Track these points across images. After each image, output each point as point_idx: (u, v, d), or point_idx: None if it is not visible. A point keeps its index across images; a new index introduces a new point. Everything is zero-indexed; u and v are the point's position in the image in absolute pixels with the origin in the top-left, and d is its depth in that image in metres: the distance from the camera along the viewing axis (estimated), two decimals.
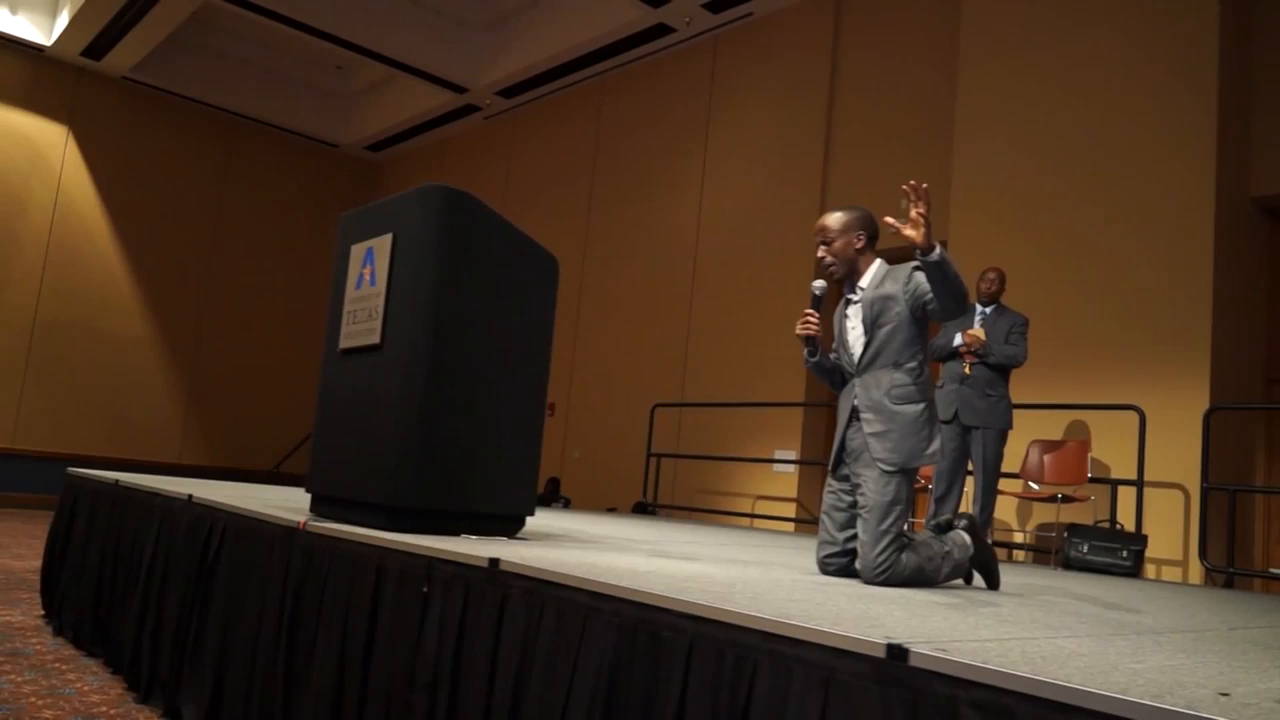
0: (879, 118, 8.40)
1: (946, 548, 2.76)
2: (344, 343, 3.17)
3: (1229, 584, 5.29)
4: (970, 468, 5.27)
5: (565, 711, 1.91)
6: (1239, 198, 6.19)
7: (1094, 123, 6.47)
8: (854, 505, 2.78)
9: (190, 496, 3.65)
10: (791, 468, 8.45)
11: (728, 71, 9.89)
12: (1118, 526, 5.45)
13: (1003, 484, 5.41)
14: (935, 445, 2.69)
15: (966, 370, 5.18)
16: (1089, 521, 5.52)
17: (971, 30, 7.32)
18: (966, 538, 2.82)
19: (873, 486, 2.66)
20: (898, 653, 1.44)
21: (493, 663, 2.13)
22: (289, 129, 13.71)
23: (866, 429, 2.72)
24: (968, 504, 5.33)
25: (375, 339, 3.00)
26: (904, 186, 2.57)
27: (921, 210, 2.51)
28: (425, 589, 2.38)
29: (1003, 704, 1.31)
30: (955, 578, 2.81)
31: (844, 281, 2.90)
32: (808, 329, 2.87)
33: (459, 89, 11.91)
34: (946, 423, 5.25)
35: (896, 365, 2.73)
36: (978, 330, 5.22)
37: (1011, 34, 7.04)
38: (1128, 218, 6.20)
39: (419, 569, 2.41)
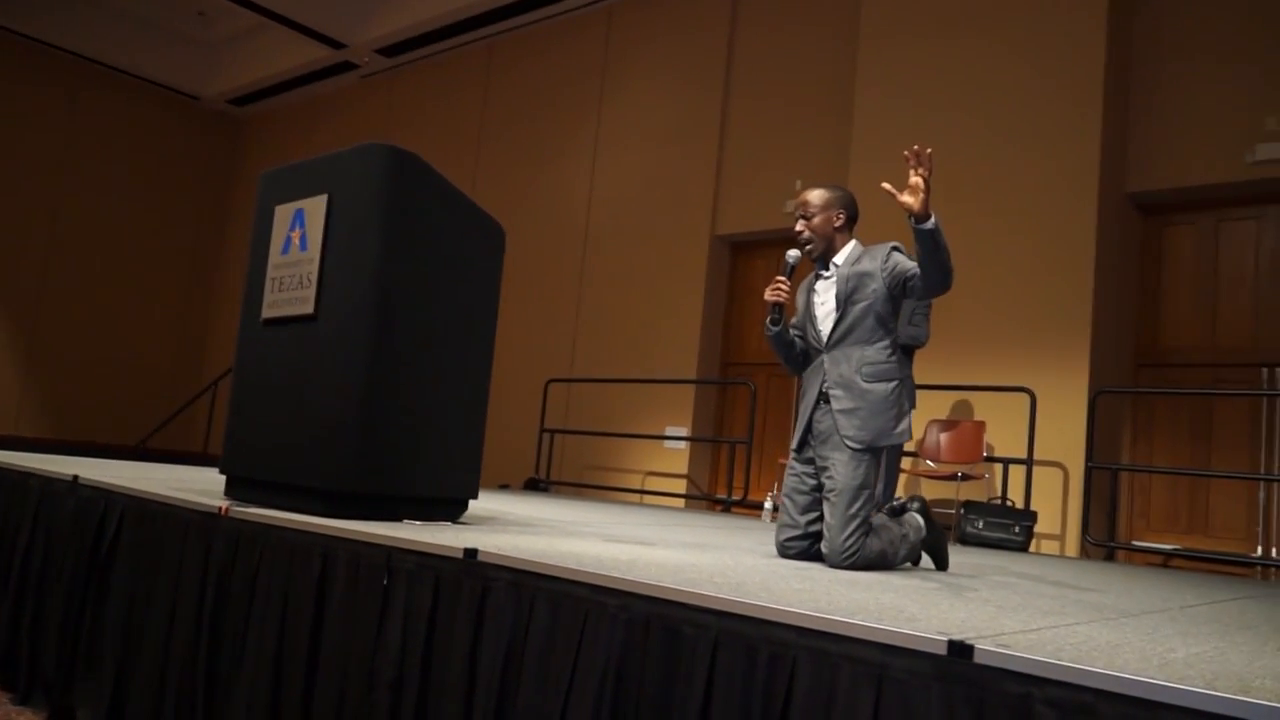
0: (776, 96, 8.45)
1: (904, 530, 2.77)
2: (268, 312, 2.90)
3: (1109, 557, 5.62)
4: None
5: (565, 713, 1.78)
6: (1117, 193, 6.53)
7: (987, 112, 6.68)
8: (817, 489, 2.75)
9: (76, 477, 3.29)
10: (682, 444, 8.47)
11: (622, 43, 9.74)
12: (1008, 503, 5.69)
13: (903, 463, 5.55)
14: (905, 424, 2.68)
15: None
16: (983, 499, 5.74)
17: (872, 10, 7.44)
18: (920, 520, 2.84)
19: (842, 470, 2.63)
20: (961, 650, 1.39)
21: (471, 661, 1.98)
22: (143, 77, 12.68)
23: (835, 406, 2.69)
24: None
25: (308, 309, 2.75)
26: (905, 152, 2.52)
27: (924, 174, 2.47)
28: (386, 581, 2.19)
29: (1082, 702, 1.28)
30: (909, 560, 2.83)
31: (819, 259, 2.85)
32: (777, 294, 2.81)
33: (335, 44, 11.28)
34: None
35: (868, 342, 2.70)
36: None
37: (911, 16, 7.18)
38: (1018, 207, 6.44)
39: (377, 559, 2.22)
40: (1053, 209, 6.31)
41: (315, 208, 2.82)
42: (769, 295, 2.82)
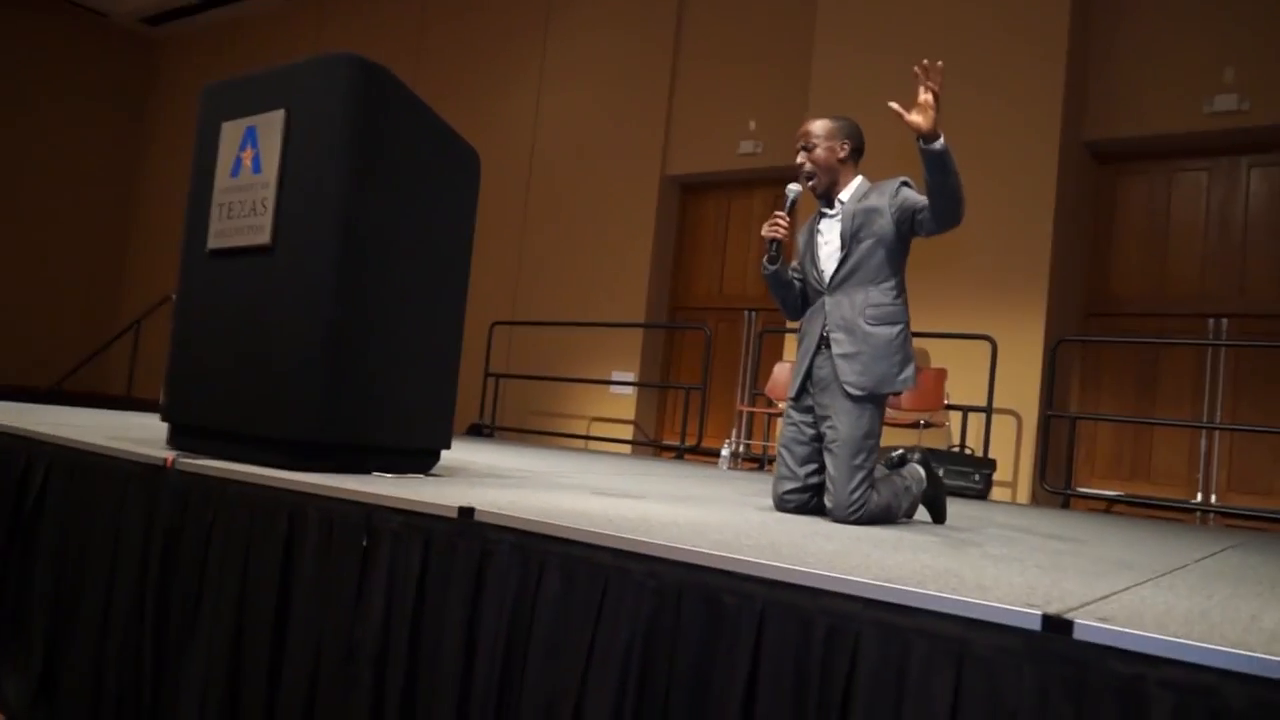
0: (732, 32, 8.18)
1: (906, 483, 2.64)
2: (216, 241, 2.60)
3: (1065, 504, 5.66)
4: None
5: (583, 691, 1.61)
6: (1076, 141, 6.48)
7: (949, 57, 6.53)
8: (816, 438, 2.59)
9: None
10: (629, 389, 8.30)
11: None
12: (967, 451, 5.67)
13: None
14: (909, 371, 2.53)
15: None
16: (944, 446, 5.72)
17: None
18: (922, 471, 2.72)
19: (845, 419, 2.47)
20: (1058, 625, 1.25)
21: (469, 634, 1.78)
22: None
23: (835, 350, 2.52)
24: None
25: (264, 239, 2.47)
26: (915, 67, 2.33)
27: (934, 88, 2.28)
28: (365, 542, 1.97)
29: (1205, 684, 1.14)
30: (910, 513, 2.71)
31: (821, 193, 2.65)
32: (775, 230, 2.62)
33: None
34: None
35: (874, 283, 2.53)
36: None
37: None
38: (980, 154, 6.34)
39: (355, 518, 2.00)
40: (1015, 157, 6.22)
41: (270, 125, 2.51)
42: (767, 231, 2.63)
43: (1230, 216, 6.42)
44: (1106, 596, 1.51)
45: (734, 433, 6.63)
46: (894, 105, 2.37)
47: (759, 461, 6.56)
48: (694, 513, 2.32)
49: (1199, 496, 6.28)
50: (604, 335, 8.39)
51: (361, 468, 2.48)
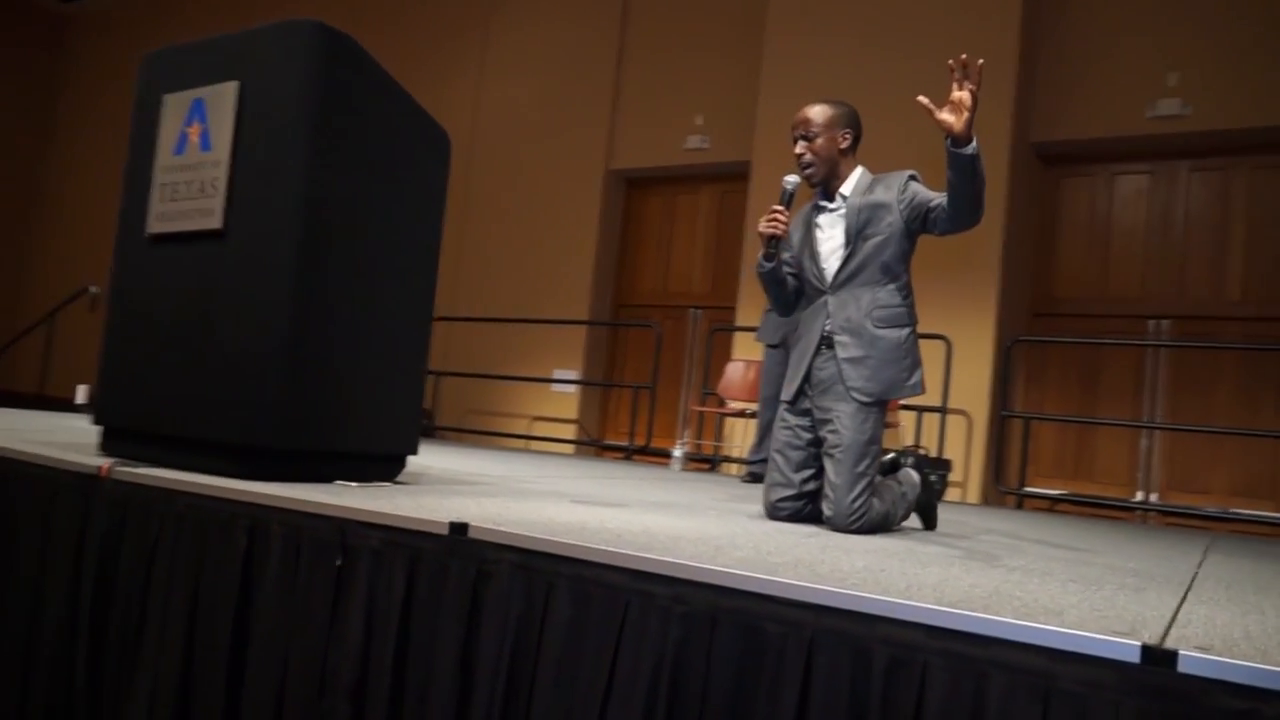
0: (679, 23, 8.04)
1: (902, 489, 2.53)
2: (158, 225, 2.35)
3: (1020, 505, 5.67)
4: None
5: None
6: (1024, 143, 6.51)
7: (903, 54, 6.50)
8: (813, 443, 2.46)
9: None
10: (571, 388, 8.10)
11: None
12: (923, 451, 5.63)
13: None
14: (918, 375, 2.42)
15: None
16: (899, 447, 5.67)
17: None
18: (916, 476, 2.61)
19: (848, 423, 2.35)
20: (1160, 656, 1.12)
21: (464, 665, 1.60)
22: None
23: (841, 354, 2.39)
24: None
25: (214, 223, 2.23)
26: (950, 62, 2.20)
27: (973, 89, 2.15)
28: (340, 562, 1.76)
29: None
30: (905, 519, 2.60)
31: (819, 186, 2.52)
32: (774, 226, 2.46)
33: None
34: (774, 347, 5.10)
35: (881, 283, 2.40)
36: None
37: None
38: (934, 152, 6.32)
39: (327, 535, 1.79)
40: None
41: (221, 98, 2.27)
42: (764, 227, 2.48)
43: (1171, 220, 6.53)
44: (1174, 618, 1.40)
45: (686, 433, 6.50)
46: (923, 100, 2.24)
47: (710, 462, 6.44)
48: (688, 524, 2.16)
49: (1139, 495, 6.37)
50: (546, 332, 8.18)
51: (323, 476, 2.26)
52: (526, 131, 8.69)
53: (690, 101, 7.93)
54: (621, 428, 8.15)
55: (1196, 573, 2.24)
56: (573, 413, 8.11)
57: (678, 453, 5.66)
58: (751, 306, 6.82)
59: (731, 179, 7.87)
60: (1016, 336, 5.95)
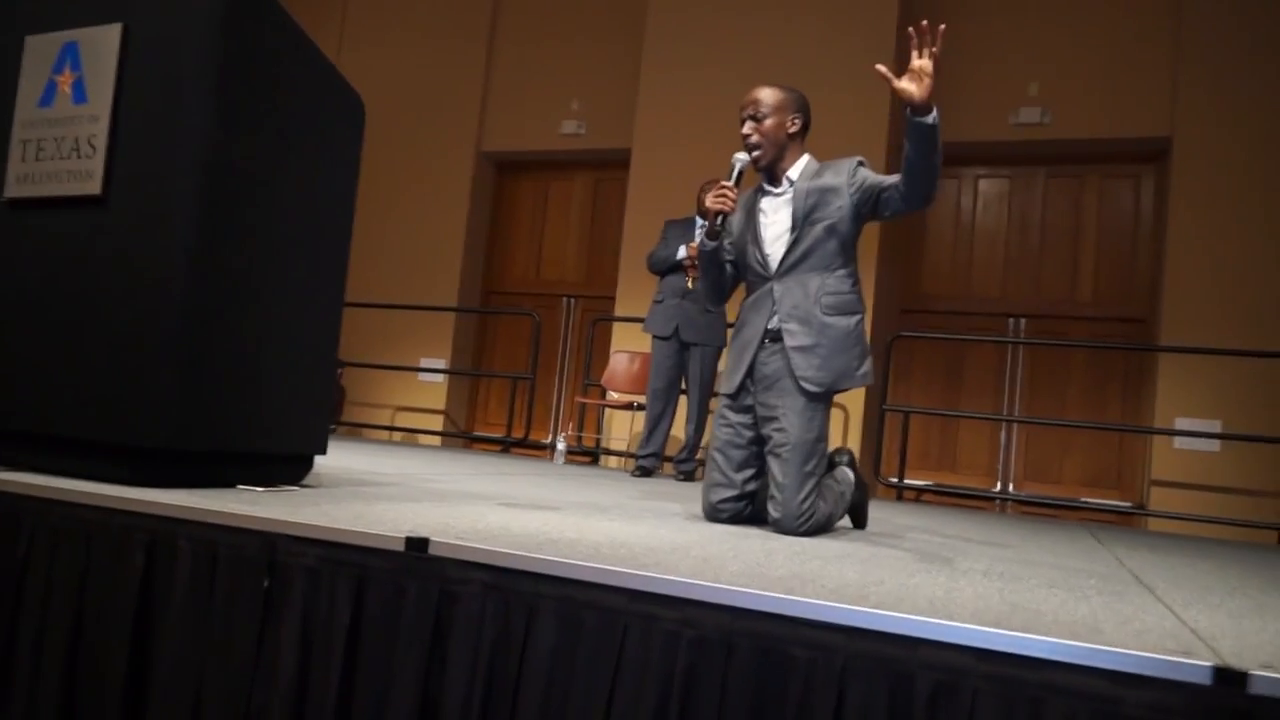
0: (556, 5, 7.83)
1: (840, 488, 2.47)
2: (17, 189, 2.00)
3: (900, 497, 5.80)
4: (684, 386, 5.11)
5: None
6: (897, 144, 6.67)
7: (780, 41, 6.53)
8: (755, 441, 2.36)
9: None
10: (440, 378, 7.78)
11: None
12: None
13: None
14: (868, 365, 2.35)
15: (690, 285, 4.96)
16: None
17: None
18: (851, 475, 2.56)
19: (795, 420, 2.26)
20: (1232, 677, 1.07)
21: (427, 698, 1.40)
22: None
23: (789, 342, 2.29)
24: (680, 425, 5.18)
25: (93, 188, 1.91)
26: (910, 29, 2.12)
27: (935, 53, 2.08)
28: (267, 583, 1.53)
29: None
30: (841, 519, 2.54)
31: (765, 169, 2.41)
32: (722, 203, 2.34)
33: None
34: (664, 339, 5.02)
35: (829, 269, 2.32)
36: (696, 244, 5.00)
37: None
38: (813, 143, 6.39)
39: (251, 551, 1.54)
40: (846, 149, 6.30)
41: (99, 42, 1.95)
42: (712, 203, 2.36)
43: (1029, 223, 6.85)
44: (1198, 631, 1.37)
45: (570, 425, 6.33)
46: (881, 68, 2.16)
47: (592, 455, 6.30)
48: (644, 530, 2.02)
49: (998, 485, 6.67)
50: (411, 319, 7.81)
51: (224, 480, 1.99)
52: (391, 107, 8.25)
53: (566, 85, 7.73)
54: (491, 419, 7.89)
55: (1135, 573, 2.27)
56: (440, 403, 7.78)
57: (561, 445, 5.49)
58: (631, 296, 6.72)
59: (607, 166, 7.74)
60: (895, 333, 6.08)
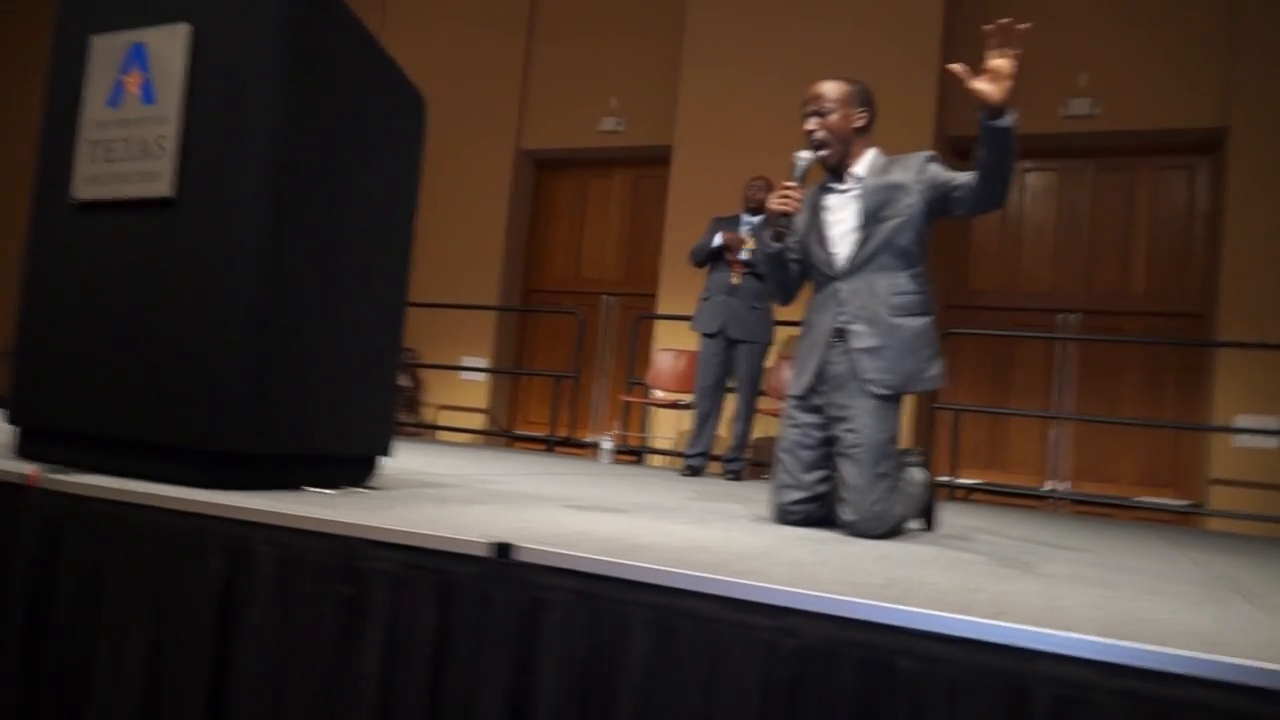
0: (595, 2, 7.80)
1: (912, 489, 2.41)
2: (88, 190, 1.99)
3: (953, 496, 5.71)
4: (731, 384, 5.05)
5: None
6: (943, 136, 6.57)
7: (825, 35, 6.45)
8: (825, 442, 2.31)
9: None
10: (481, 376, 7.78)
11: None
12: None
13: (759, 403, 5.28)
14: (938, 367, 2.29)
15: (735, 281, 4.91)
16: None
17: None
18: (921, 475, 2.50)
19: (867, 420, 2.20)
20: None
21: (517, 710, 1.37)
22: None
23: (856, 344, 2.24)
24: (727, 423, 5.13)
25: (164, 189, 1.90)
26: (987, 28, 2.05)
27: (1014, 55, 2.01)
28: (348, 590, 1.50)
29: None
30: (911, 520, 2.48)
31: (830, 166, 2.35)
32: (786, 204, 2.29)
33: None
34: (710, 336, 4.97)
35: (898, 269, 2.26)
36: (744, 237, 4.94)
37: None
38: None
39: (331, 557, 1.52)
40: (892, 146, 6.22)
41: (166, 43, 1.94)
42: (776, 204, 2.30)
43: (1078, 216, 6.72)
44: None
45: (617, 424, 6.30)
46: (956, 67, 2.09)
47: (637, 454, 6.27)
48: (717, 534, 1.98)
49: (1050, 484, 6.55)
50: (452, 318, 7.81)
51: (290, 482, 1.97)
52: (430, 105, 8.25)
53: (605, 82, 7.70)
54: (532, 417, 7.89)
55: (1225, 578, 2.20)
56: (483, 402, 7.78)
57: (607, 445, 5.46)
58: (673, 294, 6.68)
59: (647, 163, 7.70)
60: (943, 330, 5.99)
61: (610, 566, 1.35)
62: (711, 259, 5.02)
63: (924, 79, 6.18)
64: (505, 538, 1.46)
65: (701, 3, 6.89)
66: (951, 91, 6.62)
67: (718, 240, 4.95)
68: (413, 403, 7.61)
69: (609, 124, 7.70)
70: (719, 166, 6.46)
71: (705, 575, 1.29)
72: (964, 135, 6.65)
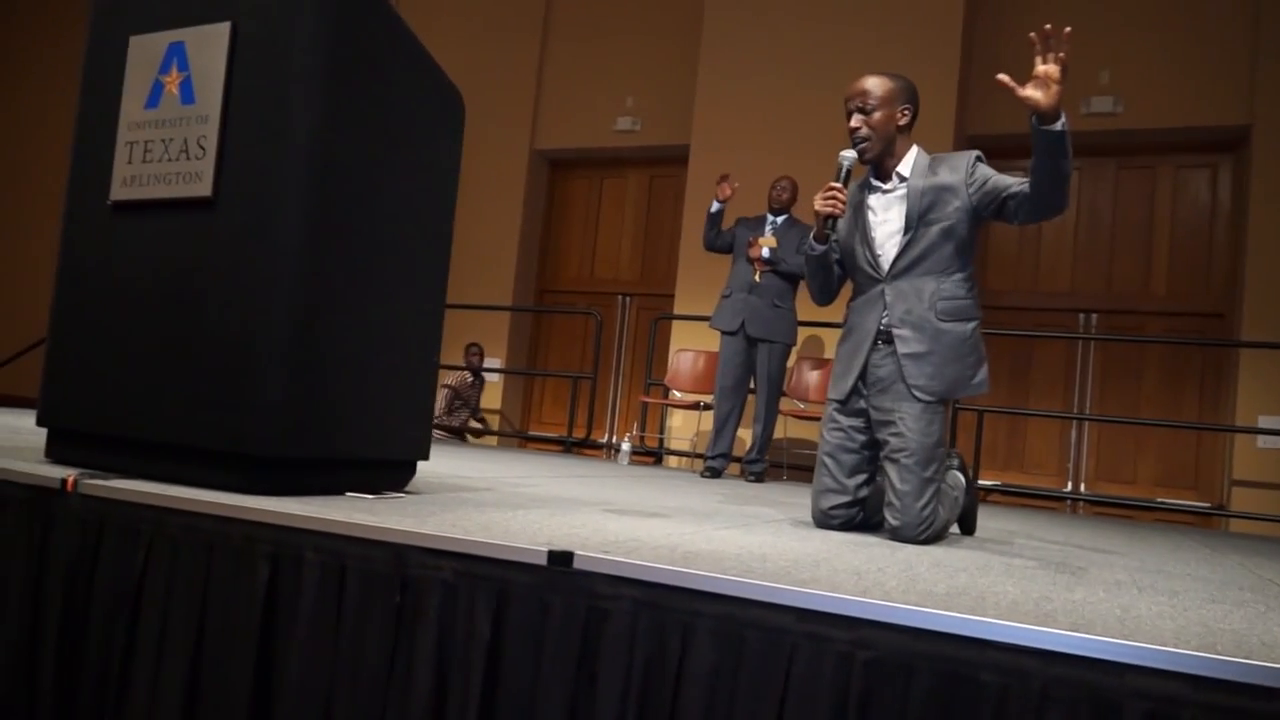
0: (610, 1, 7.77)
1: (954, 493, 2.37)
2: (124, 191, 1.97)
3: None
4: (752, 384, 5.01)
5: None
6: (963, 136, 6.52)
7: (845, 35, 6.41)
8: (867, 445, 2.28)
9: None
10: (496, 377, 7.76)
11: None
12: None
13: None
14: (984, 373, 2.25)
15: (757, 278, 4.86)
16: None
17: None
18: (963, 479, 2.46)
19: (913, 425, 2.16)
20: None
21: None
22: None
23: (902, 349, 2.20)
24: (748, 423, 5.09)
25: (203, 189, 1.87)
26: (1033, 35, 2.02)
27: (1063, 60, 1.98)
28: (399, 598, 1.47)
29: None
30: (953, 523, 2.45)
31: (873, 163, 2.31)
32: (832, 205, 2.25)
33: None
34: (731, 334, 4.93)
35: (944, 272, 2.22)
36: (768, 237, 4.90)
37: None
38: None
39: (380, 564, 1.49)
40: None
41: (207, 42, 1.91)
42: (821, 205, 2.26)
43: (1099, 215, 6.67)
44: None
45: (635, 425, 6.27)
46: (1003, 78, 2.06)
47: (655, 456, 6.23)
48: (767, 540, 1.94)
49: (1069, 485, 6.51)
50: (466, 318, 7.78)
51: (332, 487, 1.94)
52: None
53: (620, 82, 7.67)
54: (546, 418, 7.86)
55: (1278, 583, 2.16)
56: (497, 403, 7.76)
57: (626, 446, 5.43)
58: (690, 295, 6.64)
59: (662, 163, 7.67)
60: None
61: (676, 576, 1.32)
62: (727, 248, 5.02)
63: (944, 78, 6.14)
64: (558, 545, 1.42)
65: (719, 2, 6.85)
66: (971, 91, 6.58)
67: (715, 206, 4.95)
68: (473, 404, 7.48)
69: (625, 123, 7.67)
70: (737, 166, 6.42)
71: (776, 585, 1.26)
72: (983, 135, 6.61)
